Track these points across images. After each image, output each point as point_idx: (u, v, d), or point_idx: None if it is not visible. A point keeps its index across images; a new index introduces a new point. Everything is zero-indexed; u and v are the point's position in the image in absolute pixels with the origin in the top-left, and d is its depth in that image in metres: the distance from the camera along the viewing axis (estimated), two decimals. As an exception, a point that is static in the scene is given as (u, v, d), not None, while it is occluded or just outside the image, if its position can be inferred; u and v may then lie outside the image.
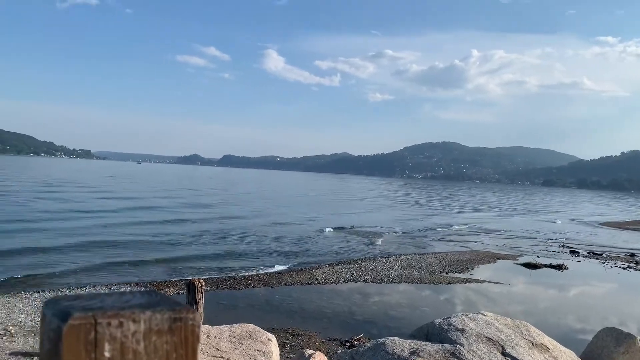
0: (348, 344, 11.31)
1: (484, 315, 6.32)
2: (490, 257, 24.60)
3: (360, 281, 17.98)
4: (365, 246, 26.53)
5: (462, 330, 5.71)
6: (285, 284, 16.80)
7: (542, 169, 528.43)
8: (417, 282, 18.30)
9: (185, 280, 16.06)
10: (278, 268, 19.43)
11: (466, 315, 6.26)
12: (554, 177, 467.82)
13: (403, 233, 33.56)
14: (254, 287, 16.29)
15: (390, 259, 22.43)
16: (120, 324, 0.66)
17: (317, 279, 17.74)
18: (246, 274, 18.06)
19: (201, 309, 10.05)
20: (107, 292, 0.77)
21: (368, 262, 21.22)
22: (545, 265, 23.01)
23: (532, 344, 5.91)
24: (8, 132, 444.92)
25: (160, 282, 16.10)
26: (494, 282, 19.07)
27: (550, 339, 6.54)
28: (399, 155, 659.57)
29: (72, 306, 0.65)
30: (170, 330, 0.70)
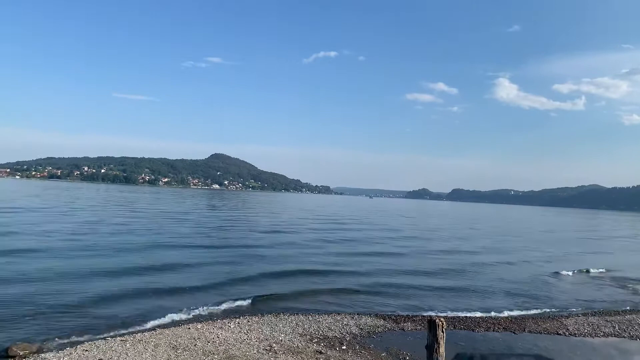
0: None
1: None
2: None
3: (624, 336, 15.31)
4: (628, 296, 22.54)
5: None
6: (530, 331, 15.35)
7: None
8: None
9: (422, 316, 16.12)
10: (520, 312, 17.93)
11: None
12: None
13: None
14: (493, 330, 15.33)
15: (665, 313, 18.55)
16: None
17: (567, 329, 15.74)
18: (484, 315, 17.12)
19: (442, 349, 9.87)
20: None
21: (634, 315, 17.93)
22: None
23: None
24: (265, 171, 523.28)
25: (398, 316, 16.41)
26: None
27: None
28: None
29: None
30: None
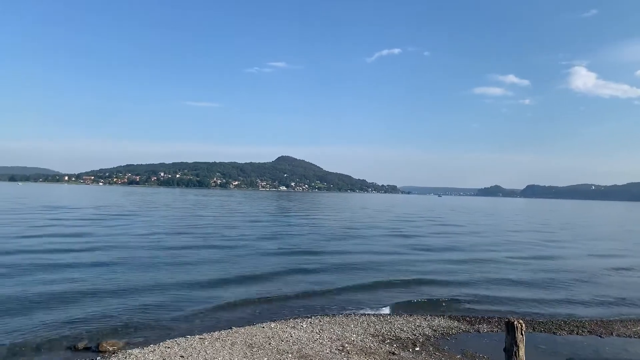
0: None
1: None
2: None
3: None
4: None
5: None
6: (618, 335, 14.38)
7: None
8: None
9: (498, 318, 15.54)
10: (609, 318, 16.78)
11: None
12: None
13: None
14: (577, 333, 14.49)
15: None
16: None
17: (661, 333, 14.58)
18: (567, 318, 16.20)
19: (522, 352, 9.46)
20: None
21: None
22: None
23: None
24: (331, 172, 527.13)
25: (472, 317, 15.92)
26: None
27: None
28: None
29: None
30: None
